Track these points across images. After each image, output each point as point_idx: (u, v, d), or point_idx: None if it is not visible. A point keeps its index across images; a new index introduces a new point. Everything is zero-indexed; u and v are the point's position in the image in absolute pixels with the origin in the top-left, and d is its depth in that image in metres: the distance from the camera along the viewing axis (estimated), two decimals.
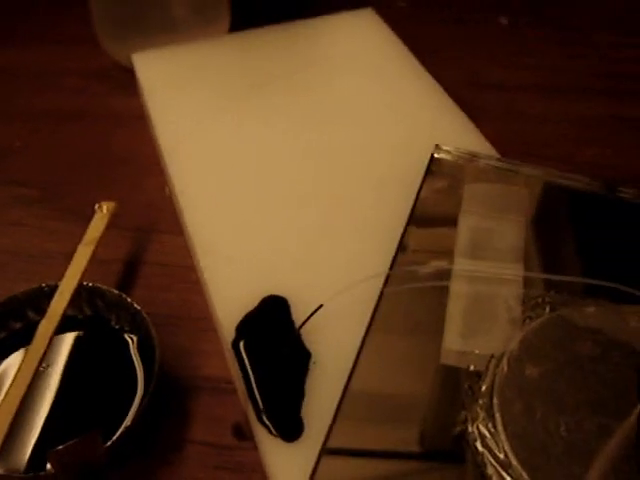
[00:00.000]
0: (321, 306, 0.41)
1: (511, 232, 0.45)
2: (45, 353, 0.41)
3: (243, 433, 0.40)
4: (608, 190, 0.48)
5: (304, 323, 0.41)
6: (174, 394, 0.42)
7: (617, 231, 0.46)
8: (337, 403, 0.37)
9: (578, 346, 0.38)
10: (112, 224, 0.48)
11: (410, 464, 0.37)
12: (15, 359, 0.42)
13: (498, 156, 0.51)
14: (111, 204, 0.48)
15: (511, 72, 0.67)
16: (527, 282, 0.42)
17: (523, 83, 0.65)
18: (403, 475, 0.37)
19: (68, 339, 0.43)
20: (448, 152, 0.50)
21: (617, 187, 0.48)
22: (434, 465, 0.37)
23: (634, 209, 0.47)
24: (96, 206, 0.48)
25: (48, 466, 0.36)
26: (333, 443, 0.36)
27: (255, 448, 0.39)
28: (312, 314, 0.41)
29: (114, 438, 0.37)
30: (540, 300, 0.41)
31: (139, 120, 0.60)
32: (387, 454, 0.36)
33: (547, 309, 0.40)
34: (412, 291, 0.42)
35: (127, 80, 0.64)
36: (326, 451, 0.35)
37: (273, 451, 0.37)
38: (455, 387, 0.38)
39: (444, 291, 0.42)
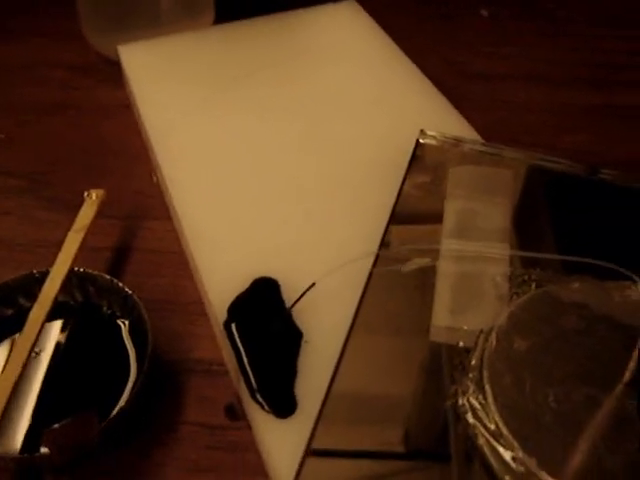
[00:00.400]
0: (313, 284, 0.41)
1: (497, 213, 0.45)
2: (37, 339, 0.41)
3: (235, 413, 0.41)
4: (590, 172, 0.49)
5: (296, 302, 0.41)
6: (167, 376, 0.42)
7: (598, 212, 0.47)
8: (320, 404, 0.37)
9: (564, 320, 0.39)
10: (101, 213, 0.48)
11: (395, 464, 0.37)
12: (6, 346, 0.42)
13: (482, 141, 0.52)
14: (100, 191, 0.48)
15: (493, 62, 0.68)
16: (512, 261, 0.43)
17: (505, 73, 0.66)
18: (388, 475, 0.37)
19: (60, 325, 0.43)
20: (433, 137, 0.51)
21: (598, 169, 0.49)
22: (419, 465, 0.37)
23: (615, 191, 0.48)
24: (85, 193, 0.48)
25: (42, 449, 0.37)
26: (317, 444, 0.36)
27: (248, 428, 0.40)
28: (305, 292, 0.41)
29: (109, 418, 0.37)
30: (526, 277, 0.41)
31: (125, 111, 0.61)
32: (372, 454, 0.36)
33: (533, 286, 0.41)
34: (398, 274, 0.43)
35: (113, 73, 0.64)
36: (310, 452, 0.35)
37: (267, 428, 0.37)
38: (439, 382, 0.38)
39: (430, 275, 0.42)
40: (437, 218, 0.46)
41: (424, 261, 0.43)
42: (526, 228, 0.46)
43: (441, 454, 0.36)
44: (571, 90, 0.65)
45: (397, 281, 0.43)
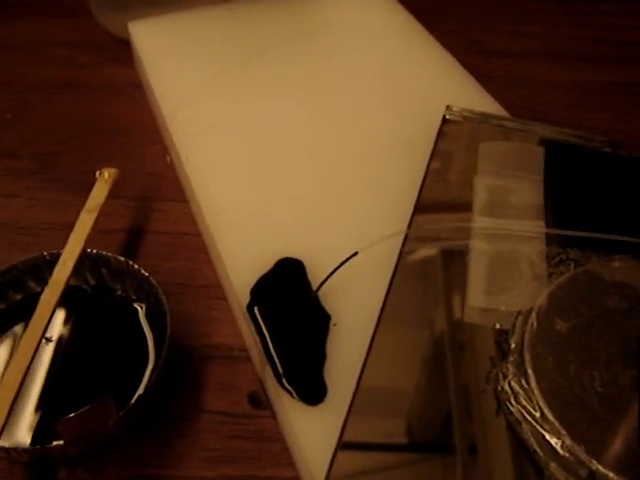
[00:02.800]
0: (355, 254, 0.39)
1: (529, 190, 0.43)
2: (48, 324, 0.39)
3: (259, 401, 0.39)
4: (618, 148, 0.47)
5: (322, 284, 0.39)
6: (185, 363, 0.41)
7: (630, 188, 0.45)
8: (350, 399, 0.35)
9: (606, 300, 0.37)
10: (113, 194, 0.46)
11: (418, 455, 0.35)
12: (16, 332, 0.40)
13: (510, 116, 0.50)
14: (112, 170, 0.46)
15: (514, 40, 0.66)
16: (548, 240, 0.41)
17: (526, 50, 0.65)
18: (415, 467, 0.34)
19: (73, 310, 0.41)
20: (459, 113, 0.49)
21: (627, 146, 0.47)
22: (445, 457, 0.35)
23: None
24: (97, 173, 0.46)
25: (55, 442, 0.35)
26: (348, 437, 0.34)
27: (273, 416, 0.38)
28: (331, 274, 0.39)
29: (127, 407, 0.35)
30: (564, 256, 0.40)
31: (135, 90, 0.59)
32: (399, 447, 0.35)
33: (572, 265, 0.39)
34: (430, 253, 0.41)
35: (119, 51, 0.62)
36: (341, 446, 0.33)
37: (296, 416, 0.35)
38: (477, 353, 0.36)
39: (463, 254, 0.40)
40: (466, 196, 0.44)
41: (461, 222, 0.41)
42: (558, 206, 0.44)
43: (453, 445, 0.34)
44: (591, 67, 0.63)
45: (426, 261, 0.41)
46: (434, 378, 0.36)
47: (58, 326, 0.41)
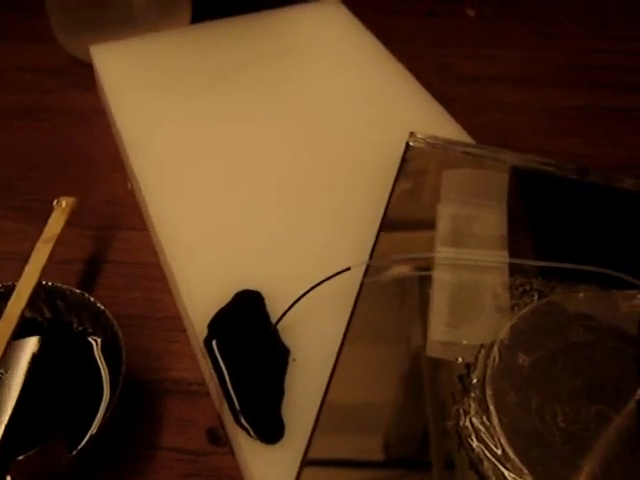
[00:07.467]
0: (315, 286, 0.39)
1: (493, 218, 0.43)
2: (2, 359, 0.38)
3: (218, 437, 0.38)
4: (583, 175, 0.46)
5: (281, 318, 0.38)
6: (142, 398, 0.40)
7: (596, 216, 0.45)
8: (316, 414, 0.35)
9: (570, 333, 0.36)
10: (72, 222, 0.45)
11: (388, 472, 0.35)
12: None
13: (474, 143, 0.49)
14: (70, 199, 0.45)
15: (482, 64, 0.66)
16: (512, 270, 0.40)
17: (495, 74, 0.64)
18: None
19: (27, 343, 0.40)
20: (423, 140, 0.48)
21: (590, 172, 0.47)
22: (406, 472, 0.35)
23: (612, 194, 0.46)
24: (55, 202, 0.45)
25: (8, 478, 0.33)
26: (314, 454, 0.33)
27: (231, 453, 0.37)
28: (291, 306, 0.38)
29: (79, 447, 0.34)
30: (528, 287, 0.39)
31: (96, 116, 0.58)
32: (366, 463, 0.34)
33: (535, 296, 0.38)
34: (391, 284, 0.40)
35: (83, 75, 0.61)
36: (307, 463, 0.33)
37: (253, 455, 0.34)
38: (438, 384, 0.36)
39: (425, 282, 0.40)
40: (430, 224, 0.43)
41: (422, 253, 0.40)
42: (522, 235, 0.43)
43: (425, 462, 0.33)
44: (561, 92, 0.63)
45: (388, 290, 0.40)
46: (406, 395, 0.36)
47: (12, 360, 0.39)
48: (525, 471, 0.31)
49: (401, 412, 0.35)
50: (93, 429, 0.36)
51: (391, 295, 0.40)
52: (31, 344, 0.40)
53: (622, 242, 0.43)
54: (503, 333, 0.36)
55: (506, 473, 0.31)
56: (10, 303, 0.40)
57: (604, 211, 0.45)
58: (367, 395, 0.36)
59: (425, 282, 0.40)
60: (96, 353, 0.40)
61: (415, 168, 0.47)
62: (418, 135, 0.49)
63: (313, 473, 0.33)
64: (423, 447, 0.34)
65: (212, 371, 0.37)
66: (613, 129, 0.59)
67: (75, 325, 0.41)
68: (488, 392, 0.34)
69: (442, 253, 0.41)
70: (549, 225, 0.44)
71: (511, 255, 0.41)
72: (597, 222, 0.44)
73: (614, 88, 0.63)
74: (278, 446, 0.34)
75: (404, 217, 0.45)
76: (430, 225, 0.43)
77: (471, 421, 0.33)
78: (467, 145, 0.48)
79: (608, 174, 0.46)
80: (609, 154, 0.56)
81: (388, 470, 0.35)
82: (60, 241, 0.43)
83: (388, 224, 0.43)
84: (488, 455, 0.32)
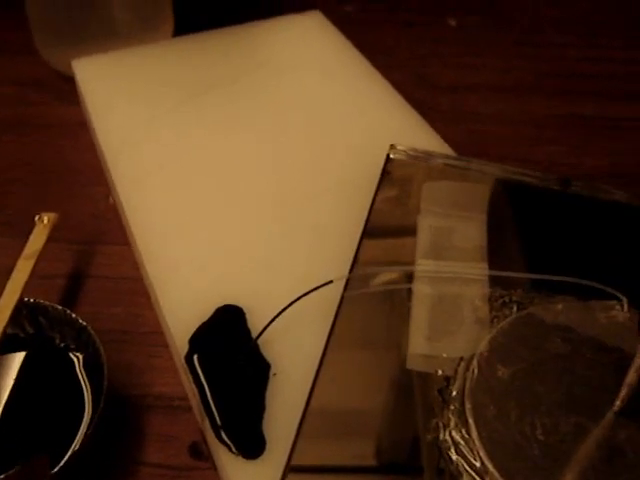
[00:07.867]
0: (295, 301, 0.39)
1: (473, 230, 0.43)
2: None
3: (200, 452, 0.38)
4: (564, 185, 0.47)
5: (262, 332, 0.38)
6: (125, 414, 0.40)
7: (577, 227, 0.45)
8: (299, 420, 0.35)
9: (549, 344, 0.37)
10: (53, 237, 0.45)
11: (374, 478, 0.35)
12: None
13: (454, 154, 0.49)
14: (52, 214, 0.45)
15: (462, 73, 0.66)
16: (492, 281, 0.41)
17: (475, 84, 0.65)
18: None
19: (9, 360, 0.40)
20: (404, 152, 0.49)
21: (572, 182, 0.47)
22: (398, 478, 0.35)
23: (592, 204, 0.46)
24: (36, 217, 0.45)
25: None
26: (297, 461, 0.33)
27: (214, 468, 0.37)
28: (271, 321, 0.38)
29: (62, 463, 0.34)
30: (507, 299, 0.39)
31: (79, 129, 0.58)
32: (350, 469, 0.34)
33: (515, 308, 0.39)
34: (373, 295, 0.40)
35: (66, 89, 0.61)
36: (290, 469, 0.33)
37: (234, 470, 0.34)
38: (422, 395, 0.36)
39: (406, 295, 0.40)
40: (410, 236, 0.43)
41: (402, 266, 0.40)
42: (502, 246, 0.43)
43: (413, 467, 0.34)
44: (543, 101, 0.63)
45: (369, 302, 0.40)
46: (388, 403, 0.36)
47: None
48: None
49: (384, 419, 0.36)
50: (75, 445, 0.36)
51: (373, 306, 0.40)
52: (17, 360, 0.40)
53: (602, 253, 0.43)
54: (482, 346, 0.36)
55: None
56: None
57: (584, 222, 0.45)
58: (349, 402, 0.36)
59: (406, 294, 0.40)
60: (78, 369, 0.40)
61: (396, 180, 0.47)
62: (399, 147, 0.49)
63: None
64: (401, 454, 0.35)
65: (193, 386, 0.37)
66: (595, 138, 0.59)
67: (57, 341, 0.41)
68: (467, 405, 0.34)
69: (422, 266, 0.41)
70: (530, 236, 0.44)
71: (491, 267, 0.41)
72: (577, 233, 0.44)
73: (596, 96, 0.64)
74: (259, 461, 0.34)
75: (385, 229, 0.45)
76: (411, 236, 0.43)
77: (450, 434, 0.33)
78: (447, 157, 0.49)
79: (590, 184, 0.47)
80: (591, 163, 0.57)
81: (371, 476, 0.35)
82: (42, 256, 0.43)
83: (369, 236, 0.43)
84: (467, 468, 0.32)
